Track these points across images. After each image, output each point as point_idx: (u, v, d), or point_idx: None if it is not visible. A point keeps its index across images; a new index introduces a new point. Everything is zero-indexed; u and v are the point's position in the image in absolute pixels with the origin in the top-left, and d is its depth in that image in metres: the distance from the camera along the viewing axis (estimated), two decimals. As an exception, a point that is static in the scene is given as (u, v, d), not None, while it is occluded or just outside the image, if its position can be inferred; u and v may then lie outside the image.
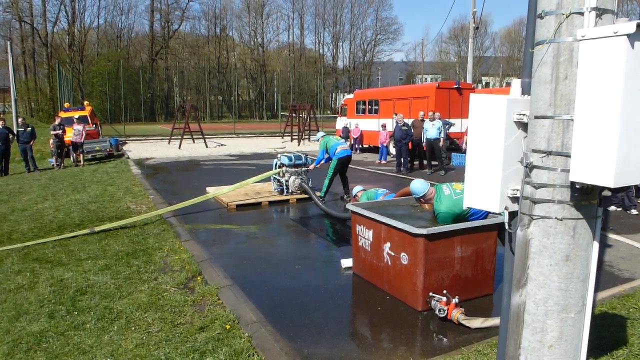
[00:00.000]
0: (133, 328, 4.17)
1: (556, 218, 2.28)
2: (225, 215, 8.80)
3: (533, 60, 2.33)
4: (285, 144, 25.70)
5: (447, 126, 15.28)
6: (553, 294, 2.35)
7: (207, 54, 65.43)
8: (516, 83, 2.48)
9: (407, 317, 4.42)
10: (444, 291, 4.37)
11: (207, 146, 23.15)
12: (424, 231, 4.34)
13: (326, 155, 9.80)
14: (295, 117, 27.11)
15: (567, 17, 2.14)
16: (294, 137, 27.07)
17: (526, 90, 2.43)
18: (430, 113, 14.15)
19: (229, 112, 60.33)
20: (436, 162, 14.17)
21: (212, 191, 10.11)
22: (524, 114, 2.38)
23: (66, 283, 5.23)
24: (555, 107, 2.21)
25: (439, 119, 14.03)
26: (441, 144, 13.77)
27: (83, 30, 57.65)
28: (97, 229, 7.35)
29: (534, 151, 2.30)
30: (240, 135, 32.20)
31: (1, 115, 30.60)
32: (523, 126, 2.41)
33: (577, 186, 2.18)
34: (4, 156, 15.11)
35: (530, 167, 2.33)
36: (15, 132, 16.05)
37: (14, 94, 24.70)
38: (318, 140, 10.31)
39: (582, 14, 2.11)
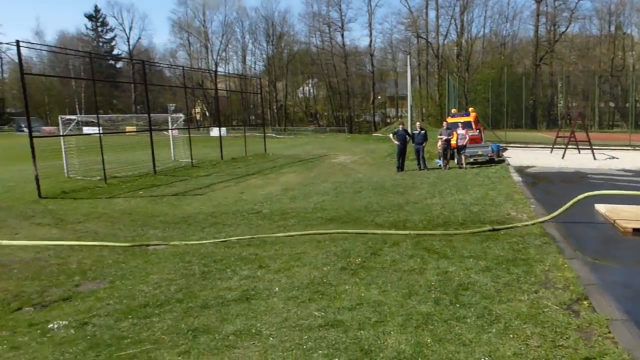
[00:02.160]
0: (511, 335, 4.14)
1: None
2: (615, 239, 7.64)
3: None
4: None
5: None
6: None
7: (598, 56, 58.77)
8: None
9: None
10: None
11: (595, 158, 20.73)
12: None
13: None
14: None
15: None
16: None
17: None
18: None
19: (622, 121, 52.41)
20: None
21: (603, 210, 8.96)
22: None
23: (450, 276, 5.66)
24: None
25: None
26: None
27: (470, 41, 61.47)
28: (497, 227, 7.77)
29: None
30: (637, 148, 27.37)
31: (400, 120, 35.89)
32: None
33: None
34: (402, 154, 17.75)
35: None
36: (411, 133, 18.60)
37: (410, 100, 28.60)
38: None
39: None
